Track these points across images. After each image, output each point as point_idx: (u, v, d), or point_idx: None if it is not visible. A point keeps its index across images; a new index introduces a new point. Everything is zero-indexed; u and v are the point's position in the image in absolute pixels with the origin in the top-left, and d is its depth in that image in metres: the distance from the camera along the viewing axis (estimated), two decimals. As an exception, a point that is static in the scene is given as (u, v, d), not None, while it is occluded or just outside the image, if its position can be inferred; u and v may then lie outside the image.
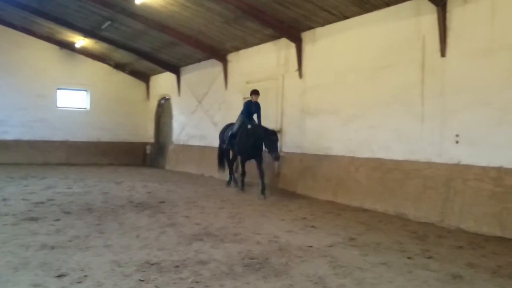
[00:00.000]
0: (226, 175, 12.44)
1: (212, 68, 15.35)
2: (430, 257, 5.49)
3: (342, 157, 9.86)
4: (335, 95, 10.33)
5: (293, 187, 11.20)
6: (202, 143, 16.19)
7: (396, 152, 8.76)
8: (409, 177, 8.35)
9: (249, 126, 10.51)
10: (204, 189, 11.50)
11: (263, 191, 10.02)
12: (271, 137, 9.92)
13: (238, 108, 14.07)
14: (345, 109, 9.96)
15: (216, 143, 15.20)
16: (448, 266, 5.13)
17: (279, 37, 11.98)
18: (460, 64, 7.76)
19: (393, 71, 8.90)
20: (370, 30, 9.46)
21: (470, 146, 7.53)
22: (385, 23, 9.10)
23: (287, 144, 11.83)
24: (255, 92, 10.86)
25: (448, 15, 7.93)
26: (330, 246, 5.90)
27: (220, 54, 14.66)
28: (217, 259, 5.12)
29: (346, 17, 9.97)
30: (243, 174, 11.03)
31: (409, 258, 5.44)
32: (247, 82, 13.53)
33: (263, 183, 10.12)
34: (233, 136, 11.03)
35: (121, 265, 4.83)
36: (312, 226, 7.11)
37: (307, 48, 11.30)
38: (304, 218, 7.74)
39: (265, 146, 10.15)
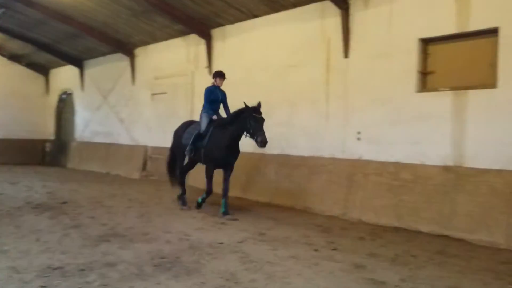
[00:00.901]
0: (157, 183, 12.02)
1: (119, 62, 14.78)
2: (335, 249, 5.75)
3: (252, 153, 9.99)
4: (244, 92, 10.40)
5: (203, 185, 11.12)
6: (107, 140, 15.54)
7: (303, 148, 9.09)
8: (315, 172, 8.70)
9: (214, 117, 8.05)
10: (110, 188, 11.04)
11: (227, 211, 7.67)
12: (257, 115, 7.39)
13: (147, 104, 13.77)
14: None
15: (123, 140, 14.74)
16: (352, 256, 5.41)
17: (189, 33, 11.85)
18: (362, 66, 8.23)
19: (300, 71, 9.20)
20: (278, 29, 9.70)
21: (370, 142, 8.02)
22: (293, 23, 9.38)
23: (197, 141, 11.74)
24: (219, 75, 8.31)
25: (350, 18, 8.37)
26: (241, 242, 5.96)
27: (127, 48, 14.17)
28: (125, 260, 4.94)
29: (256, 16, 10.13)
30: (183, 188, 8.66)
31: (316, 250, 5.66)
32: (156, 78, 13.24)
33: (226, 200, 7.77)
34: (199, 137, 8.05)
35: (19, 271, 4.48)
36: (223, 223, 7.14)
37: (217, 45, 11.30)
38: (214, 215, 7.74)
39: (249, 130, 7.37)
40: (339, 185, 8.21)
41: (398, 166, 7.49)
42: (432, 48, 7.58)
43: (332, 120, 8.69)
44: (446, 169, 6.94)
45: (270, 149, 9.65)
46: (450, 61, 7.29)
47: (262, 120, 7.42)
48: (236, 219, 7.41)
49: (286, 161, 9.33)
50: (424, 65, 7.58)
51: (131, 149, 14.37)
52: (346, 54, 8.48)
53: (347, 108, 8.43)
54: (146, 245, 5.60)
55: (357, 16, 8.31)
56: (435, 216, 6.82)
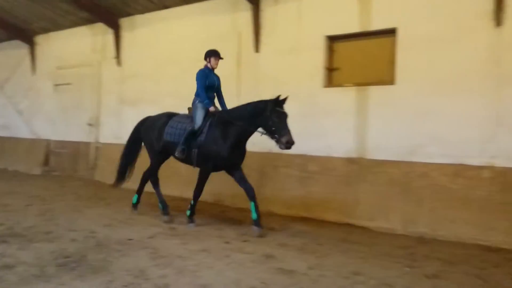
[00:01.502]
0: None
1: (17, 50, 13.75)
2: (246, 241, 5.83)
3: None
4: (155, 85, 10.22)
5: (111, 180, 10.72)
6: (4, 134, 14.39)
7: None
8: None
9: (212, 108, 6.57)
10: (8, 184, 10.24)
11: (259, 221, 6.20)
12: (281, 110, 6.04)
13: (49, 96, 12.92)
14: (165, 99, 9.91)
15: (22, 133, 13.73)
16: (262, 247, 5.52)
17: (95, 22, 11.30)
18: (272, 60, 8.40)
19: (211, 64, 9.16)
20: (190, 21, 9.59)
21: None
22: (204, 16, 9.33)
23: (104, 134, 11.30)
24: (213, 53, 6.81)
25: (261, 13, 8.50)
26: (151, 237, 5.83)
27: (26, 35, 13.20)
28: (25, 262, 4.61)
29: (166, 7, 9.93)
30: (140, 195, 7.57)
31: (227, 243, 5.70)
32: (59, 68, 12.50)
33: (257, 206, 6.23)
34: (193, 134, 6.54)
35: None
36: (132, 219, 6.94)
37: (126, 36, 10.92)
38: (124, 210, 7.49)
39: (271, 127, 5.97)
40: (251, 178, 8.29)
41: (306, 158, 7.77)
42: (337, 46, 7.93)
43: (243, 114, 8.77)
44: (350, 161, 7.33)
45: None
46: (353, 58, 7.69)
47: (286, 115, 6.02)
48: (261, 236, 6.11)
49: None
50: (330, 62, 7.92)
51: (32, 143, 13.44)
52: (257, 48, 8.60)
53: (258, 102, 8.55)
54: (49, 245, 5.28)
55: (268, 11, 8.46)
56: (340, 206, 7.18)
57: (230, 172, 6.58)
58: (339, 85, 7.72)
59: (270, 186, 8.05)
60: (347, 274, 4.60)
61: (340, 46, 7.91)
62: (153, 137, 7.14)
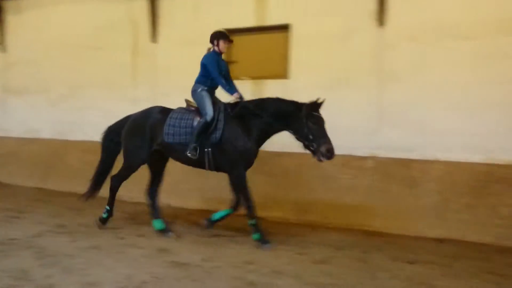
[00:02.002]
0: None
1: None
2: (141, 236, 5.72)
3: (52, 140, 9.25)
4: (43, 73, 9.58)
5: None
6: None
7: (109, 134, 8.74)
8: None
9: (236, 95, 5.64)
10: None
11: (263, 235, 5.49)
12: (318, 115, 5.34)
13: None
14: (54, 88, 9.36)
15: None
16: (157, 241, 5.46)
17: (-27, 2, 10.28)
18: (170, 52, 8.27)
19: (105, 53, 8.81)
20: (82, 7, 9.10)
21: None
22: (98, 2, 8.90)
23: (-14, 126, 10.39)
24: (223, 36, 5.96)
25: (158, 3, 8.32)
26: (37, 236, 5.49)
27: None
28: None
29: (55, -11, 9.32)
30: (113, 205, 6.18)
31: (121, 238, 5.54)
32: None
33: (257, 220, 5.51)
34: (206, 127, 5.49)
35: None
36: (17, 217, 6.47)
37: (11, 19, 10.08)
38: (8, 209, 6.95)
39: (307, 135, 5.27)
40: (147, 172, 8.11)
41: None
42: (234, 39, 7.98)
43: (140, 106, 8.48)
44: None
45: (73, 135, 9.09)
46: (250, 52, 7.81)
47: (324, 121, 5.36)
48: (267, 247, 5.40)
49: (91, 148, 8.78)
50: (228, 55, 7.97)
51: None
52: (154, 39, 8.40)
53: (156, 93, 8.38)
54: None
55: (165, 1, 8.30)
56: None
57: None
58: (236, 78, 7.77)
59: (167, 180, 7.89)
60: (240, 263, 4.70)
61: (237, 39, 7.96)
62: (141, 141, 5.83)
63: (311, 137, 5.26)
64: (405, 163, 6.52)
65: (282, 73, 7.37)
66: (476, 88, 6.15)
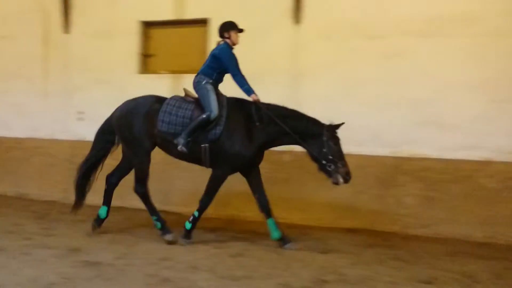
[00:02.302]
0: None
1: None
2: (50, 235, 5.44)
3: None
4: None
5: None
6: None
7: (17, 129, 8.24)
8: (32, 155, 8.03)
9: (254, 96, 5.30)
10: None
11: (284, 236, 5.35)
12: (337, 136, 5.26)
13: None
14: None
15: None
16: (68, 241, 5.22)
17: None
18: (84, 43, 7.94)
19: (12, 43, 8.30)
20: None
21: (94, 122, 7.81)
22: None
23: None
24: (234, 26, 5.55)
25: (70, -8, 7.95)
26: None
27: None
28: None
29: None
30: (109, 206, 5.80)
31: (28, 239, 5.24)
32: None
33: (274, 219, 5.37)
34: (205, 124, 5.19)
35: None
36: None
37: None
38: None
39: (326, 155, 5.14)
40: (59, 168, 7.76)
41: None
42: (153, 32, 7.84)
43: (52, 99, 8.12)
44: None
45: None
46: (169, 45, 7.70)
47: (340, 141, 5.27)
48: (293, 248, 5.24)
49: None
50: (146, 48, 7.80)
51: None
52: (66, 29, 8.02)
53: (69, 86, 8.02)
54: None
55: (79, -9, 7.95)
56: (155, 193, 7.13)
57: (247, 173, 5.50)
58: (154, 72, 7.66)
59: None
60: (155, 260, 4.62)
61: (156, 32, 7.84)
62: (140, 128, 5.37)
63: (330, 157, 5.12)
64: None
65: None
66: (384, 85, 6.50)
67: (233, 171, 5.39)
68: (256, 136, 5.25)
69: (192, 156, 5.30)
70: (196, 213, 5.34)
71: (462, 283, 4.23)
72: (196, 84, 5.43)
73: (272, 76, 6.95)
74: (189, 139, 5.14)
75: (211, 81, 5.38)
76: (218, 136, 5.19)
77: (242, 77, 5.31)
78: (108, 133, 5.74)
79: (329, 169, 5.13)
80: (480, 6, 6.15)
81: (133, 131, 5.41)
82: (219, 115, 5.21)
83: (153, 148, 5.54)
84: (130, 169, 5.71)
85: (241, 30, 5.54)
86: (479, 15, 6.15)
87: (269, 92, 6.89)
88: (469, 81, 6.17)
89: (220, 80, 5.52)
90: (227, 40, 5.50)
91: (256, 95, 5.31)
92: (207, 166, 5.37)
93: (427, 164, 6.29)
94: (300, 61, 6.85)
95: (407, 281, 4.20)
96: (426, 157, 6.28)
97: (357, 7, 6.66)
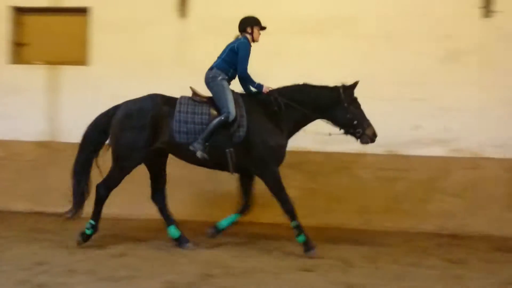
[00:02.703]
0: None
1: None
2: None
3: None
4: None
5: None
6: None
7: None
8: None
9: (266, 89, 5.05)
10: None
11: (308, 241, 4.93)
12: (356, 99, 5.10)
13: None
14: None
15: None
16: None
17: None
18: None
19: None
20: None
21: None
22: None
23: None
24: (258, 22, 5.27)
25: None
26: None
27: None
28: None
29: None
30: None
31: None
32: None
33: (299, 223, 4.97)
34: (224, 126, 4.85)
35: None
36: None
37: None
38: None
39: (351, 121, 4.99)
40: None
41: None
42: (27, 19, 7.23)
43: None
44: (41, 144, 6.87)
45: None
46: (45, 34, 7.17)
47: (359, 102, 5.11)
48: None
49: None
50: (18, 36, 7.17)
51: None
52: None
53: None
54: None
55: None
56: (29, 193, 6.66)
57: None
58: (28, 62, 7.07)
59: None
60: (29, 265, 4.25)
61: (30, 19, 7.23)
62: (140, 138, 4.85)
63: (355, 122, 4.98)
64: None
65: (81, 59, 6.94)
66: (273, 82, 6.64)
67: (278, 165, 5.05)
68: (283, 125, 5.04)
69: (214, 162, 4.94)
70: (295, 223, 4.93)
71: (339, 268, 4.48)
72: (211, 80, 5.05)
73: (158, 69, 6.79)
74: (206, 143, 4.79)
75: (226, 77, 5.07)
76: (244, 137, 4.87)
77: (249, 76, 5.08)
78: (102, 133, 5.11)
79: (358, 134, 5.02)
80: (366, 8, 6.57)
81: (132, 137, 4.87)
82: (239, 115, 4.88)
83: (145, 159, 5.07)
84: (165, 176, 5.28)
85: (264, 28, 5.25)
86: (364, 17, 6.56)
87: (156, 85, 6.76)
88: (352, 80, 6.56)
89: (233, 77, 5.17)
90: (248, 36, 5.20)
91: (265, 86, 5.08)
92: (231, 172, 5.00)
93: (308, 157, 6.55)
94: (187, 55, 6.75)
95: (290, 270, 4.35)
96: (306, 150, 6.53)
97: (245, 4, 6.71)
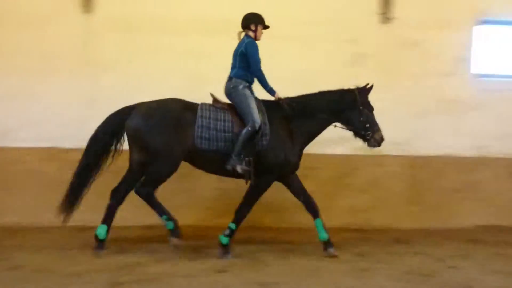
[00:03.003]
0: None
1: None
2: None
3: None
4: None
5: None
6: None
7: None
8: None
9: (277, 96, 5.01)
10: None
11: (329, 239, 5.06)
12: (370, 102, 5.20)
13: None
14: None
15: None
16: None
17: None
18: None
19: None
20: None
21: None
22: None
23: None
24: (263, 21, 5.10)
25: None
26: None
27: None
28: None
29: None
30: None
31: None
32: None
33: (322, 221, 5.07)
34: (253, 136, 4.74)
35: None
36: None
37: None
38: None
39: (364, 123, 5.07)
40: None
41: None
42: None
43: None
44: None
45: None
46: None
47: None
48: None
49: None
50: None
51: None
52: None
53: None
54: None
55: None
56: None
57: (288, 179, 5.14)
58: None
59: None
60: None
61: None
62: (171, 137, 4.71)
63: (368, 125, 5.06)
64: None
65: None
66: (183, 82, 6.54)
67: (277, 179, 5.10)
68: (297, 137, 5.04)
69: (233, 171, 4.81)
70: (233, 226, 4.92)
71: (253, 267, 4.51)
72: (232, 90, 4.96)
73: (61, 66, 6.45)
74: (242, 156, 4.71)
75: (247, 84, 4.98)
76: (266, 146, 4.83)
77: (264, 75, 4.95)
78: (113, 136, 4.93)
79: (368, 137, 5.10)
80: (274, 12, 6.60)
81: (163, 140, 4.71)
82: (263, 123, 4.82)
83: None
84: (136, 182, 4.95)
85: (267, 27, 5.12)
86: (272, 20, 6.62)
87: (60, 83, 6.41)
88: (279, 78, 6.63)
89: (253, 80, 5.04)
90: (251, 34, 5.04)
91: (277, 94, 5.04)
92: (250, 180, 4.88)
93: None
94: (94, 52, 6.46)
95: (204, 273, 4.28)
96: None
97: (153, 2, 6.54)
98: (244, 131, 4.72)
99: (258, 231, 6.04)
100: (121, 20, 6.47)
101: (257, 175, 4.90)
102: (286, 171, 5.06)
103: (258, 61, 4.92)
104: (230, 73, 5.06)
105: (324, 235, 5.03)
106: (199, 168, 5.14)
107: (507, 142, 6.65)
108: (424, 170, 6.65)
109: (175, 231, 4.91)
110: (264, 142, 4.85)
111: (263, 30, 5.12)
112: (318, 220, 5.06)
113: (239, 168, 4.73)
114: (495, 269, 4.60)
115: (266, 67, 6.25)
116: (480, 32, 7.14)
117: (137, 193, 4.90)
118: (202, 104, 4.95)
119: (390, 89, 6.51)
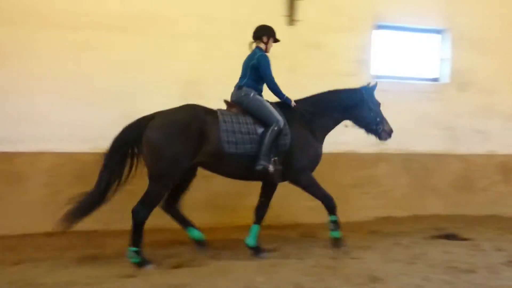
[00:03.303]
0: None
1: None
2: None
3: None
4: None
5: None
6: None
7: None
8: None
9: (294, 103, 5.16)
10: None
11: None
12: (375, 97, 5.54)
13: None
14: None
15: None
16: None
17: None
18: None
19: None
20: None
21: None
22: None
23: None
24: (275, 34, 5.23)
25: None
26: None
27: None
28: None
29: None
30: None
31: None
32: None
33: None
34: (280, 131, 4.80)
35: None
36: None
37: None
38: None
39: (374, 118, 5.37)
40: None
41: None
42: None
43: None
44: None
45: None
46: None
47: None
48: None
49: None
50: None
51: None
52: None
53: None
54: None
55: None
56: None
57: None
58: None
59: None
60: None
61: None
62: (185, 149, 4.55)
63: (378, 119, 5.33)
64: (8, 157, 6.01)
65: None
66: (80, 79, 6.23)
67: (313, 170, 5.19)
68: (317, 132, 5.23)
69: (259, 173, 4.80)
70: (334, 217, 5.10)
71: (162, 270, 4.39)
72: (244, 98, 4.99)
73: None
74: (270, 156, 4.76)
75: (257, 93, 5.07)
76: (289, 145, 4.89)
77: (279, 87, 5.08)
78: (129, 146, 4.72)
79: (379, 131, 5.35)
80: (178, 9, 6.61)
81: (177, 151, 4.52)
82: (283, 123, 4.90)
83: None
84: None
85: (278, 40, 5.28)
86: (176, 17, 6.60)
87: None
88: (164, 78, 6.50)
89: (262, 90, 5.18)
90: (262, 46, 5.15)
91: (291, 101, 5.18)
92: (276, 181, 5.00)
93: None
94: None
95: (110, 279, 4.07)
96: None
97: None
98: (269, 131, 4.79)
99: (167, 233, 5.86)
100: (14, 14, 6.09)
101: (295, 177, 5.07)
102: (317, 163, 5.22)
103: (271, 75, 5.06)
104: (240, 82, 5.12)
105: (252, 242, 5.10)
106: (220, 173, 5.07)
107: (402, 139, 7.10)
108: (326, 167, 6.91)
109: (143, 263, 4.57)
110: (287, 141, 4.93)
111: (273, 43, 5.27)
112: (256, 226, 5.17)
113: (271, 168, 4.76)
114: (395, 258, 4.86)
115: (162, 65, 6.27)
116: (378, 36, 7.61)
117: (135, 213, 4.57)
118: (219, 109, 4.93)
119: (296, 88, 6.67)
